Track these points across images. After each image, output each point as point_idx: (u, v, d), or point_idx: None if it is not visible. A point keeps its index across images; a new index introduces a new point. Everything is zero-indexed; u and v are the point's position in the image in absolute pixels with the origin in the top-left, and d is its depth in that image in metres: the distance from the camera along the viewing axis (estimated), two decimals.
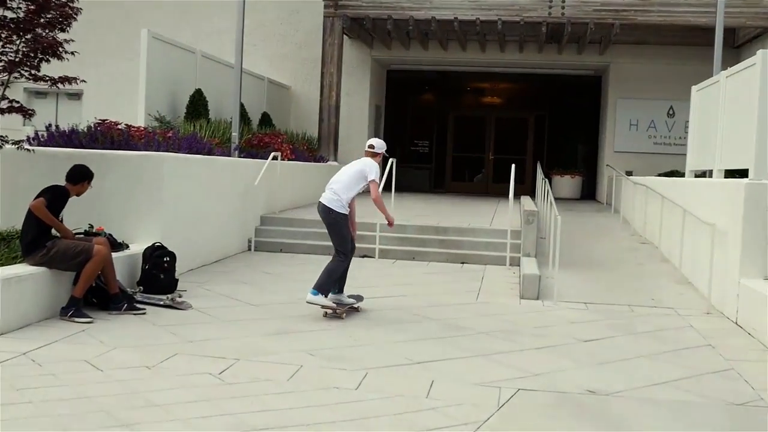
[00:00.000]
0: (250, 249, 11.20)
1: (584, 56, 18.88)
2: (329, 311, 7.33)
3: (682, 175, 15.69)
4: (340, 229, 7.42)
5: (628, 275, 9.87)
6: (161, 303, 7.62)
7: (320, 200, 7.49)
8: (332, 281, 7.36)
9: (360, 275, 9.16)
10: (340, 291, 7.55)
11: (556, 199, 14.47)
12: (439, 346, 6.46)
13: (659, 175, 16.35)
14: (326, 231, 7.56)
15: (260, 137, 13.96)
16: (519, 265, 9.98)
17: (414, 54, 19.30)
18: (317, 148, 16.68)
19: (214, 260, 10.22)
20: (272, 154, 12.03)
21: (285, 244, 11.21)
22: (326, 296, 7.32)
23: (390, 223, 7.72)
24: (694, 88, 10.78)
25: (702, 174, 10.95)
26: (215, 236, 10.20)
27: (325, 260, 7.72)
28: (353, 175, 7.46)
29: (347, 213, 7.45)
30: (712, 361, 6.31)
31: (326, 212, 7.42)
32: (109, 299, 7.24)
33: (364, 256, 10.67)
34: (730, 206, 7.92)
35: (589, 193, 20.48)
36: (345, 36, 17.59)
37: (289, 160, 13.46)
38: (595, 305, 8.27)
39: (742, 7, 15.05)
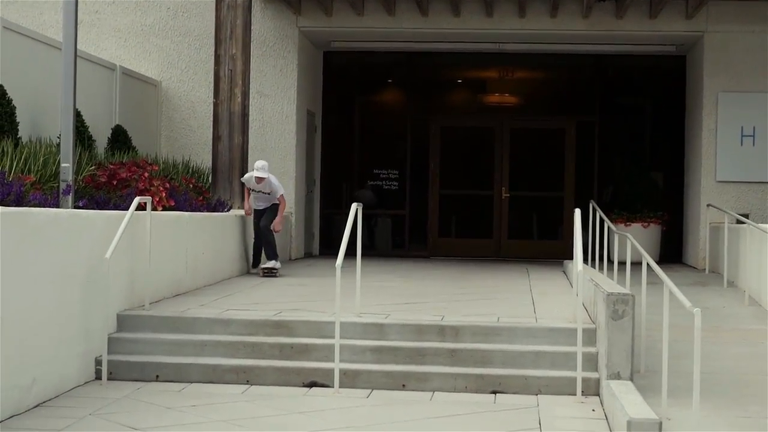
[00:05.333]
0: (99, 378, 10.30)
1: (660, 21, 18.82)
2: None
3: None
4: None
5: None
6: None
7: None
8: None
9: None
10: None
11: (619, 262, 13.63)
12: None
13: None
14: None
15: (113, 169, 13.49)
16: (599, 395, 9.45)
17: (371, 23, 19.32)
18: (210, 186, 16.35)
19: (30, 406, 9.03)
20: (136, 200, 11.39)
21: (164, 365, 10.46)
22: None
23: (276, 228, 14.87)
24: None
25: None
26: (26, 362, 9.13)
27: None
28: None
29: None
30: None
31: None
32: None
33: (312, 385, 9.99)
34: None
35: (672, 251, 20.34)
36: None
37: (165, 208, 13.30)
38: None
39: None
